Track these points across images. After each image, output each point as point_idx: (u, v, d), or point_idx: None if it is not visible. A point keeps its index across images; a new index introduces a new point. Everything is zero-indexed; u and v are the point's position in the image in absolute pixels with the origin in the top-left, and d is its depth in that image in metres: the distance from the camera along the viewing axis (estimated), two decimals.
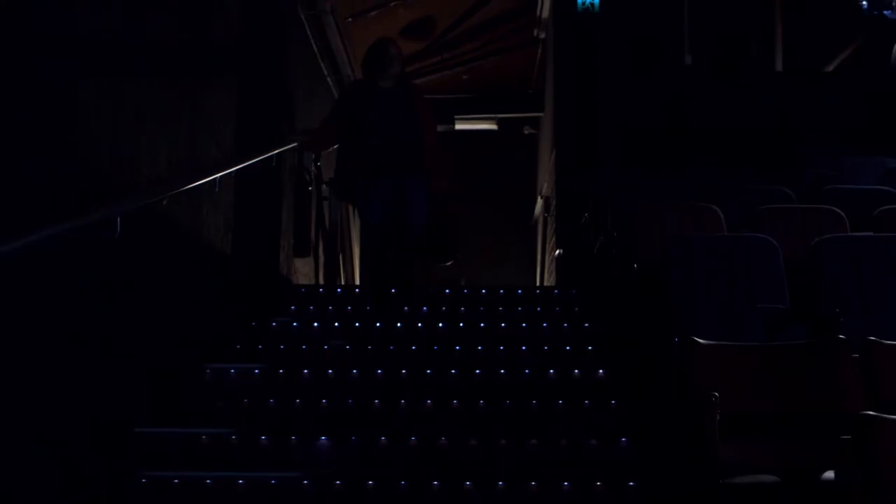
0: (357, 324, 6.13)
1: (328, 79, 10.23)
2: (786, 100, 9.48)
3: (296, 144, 7.20)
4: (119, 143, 4.32)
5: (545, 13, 10.67)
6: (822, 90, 9.91)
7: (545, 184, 11.73)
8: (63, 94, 3.78)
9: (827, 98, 9.51)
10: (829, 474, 3.25)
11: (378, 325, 6.08)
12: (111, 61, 4.23)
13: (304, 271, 8.41)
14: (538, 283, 12.77)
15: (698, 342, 3.72)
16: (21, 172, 3.43)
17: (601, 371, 5.31)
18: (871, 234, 5.52)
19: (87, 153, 4.00)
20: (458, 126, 13.58)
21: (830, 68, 10.68)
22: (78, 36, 3.92)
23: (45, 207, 3.58)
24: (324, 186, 8.74)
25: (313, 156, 8.26)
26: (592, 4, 9.25)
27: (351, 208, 9.98)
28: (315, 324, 6.21)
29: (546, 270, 11.81)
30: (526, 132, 14.32)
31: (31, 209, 3.49)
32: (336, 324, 6.17)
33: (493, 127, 14.36)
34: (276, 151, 6.69)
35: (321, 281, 8.75)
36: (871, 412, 2.61)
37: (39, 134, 3.58)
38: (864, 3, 9.80)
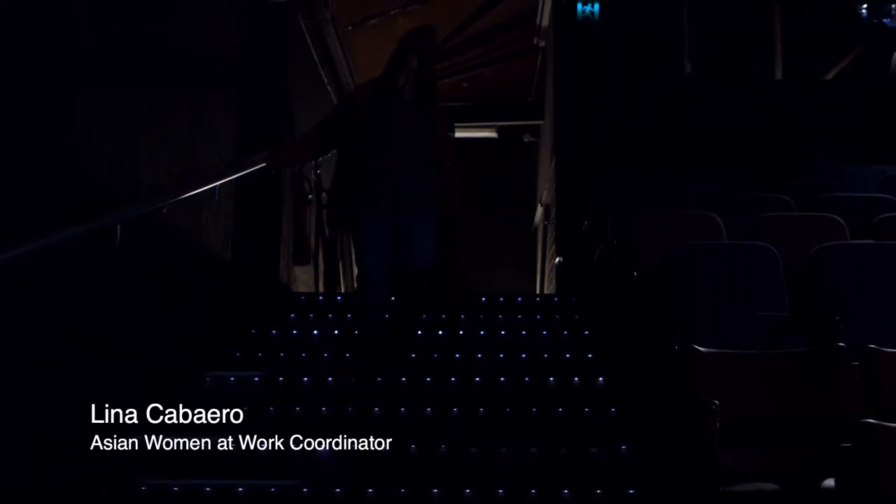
0: (357, 332, 6.11)
1: (328, 87, 10.24)
2: (786, 100, 9.47)
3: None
4: (119, 143, 4.32)
5: (545, 21, 10.68)
6: (822, 90, 9.91)
7: (545, 191, 11.72)
8: (63, 94, 3.78)
9: (827, 98, 9.50)
10: (830, 482, 3.23)
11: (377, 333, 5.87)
12: (111, 62, 4.23)
13: (303, 279, 8.41)
14: (538, 291, 12.76)
15: (698, 350, 3.72)
16: (21, 172, 3.43)
17: (601, 378, 5.31)
18: (871, 241, 5.53)
19: (87, 153, 4.00)
20: (458, 134, 13.55)
21: (830, 76, 10.68)
22: (78, 36, 3.92)
23: (45, 207, 3.58)
24: (323, 194, 8.73)
25: (313, 163, 8.23)
26: (592, 13, 9.26)
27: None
28: (315, 332, 6.21)
29: (546, 278, 11.79)
30: (526, 140, 14.32)
31: (31, 209, 3.49)
32: (336, 331, 6.16)
33: (493, 135, 14.36)
34: None
35: (321, 289, 8.74)
36: (871, 420, 2.61)
37: (39, 134, 3.58)
38: (864, 10, 9.79)
